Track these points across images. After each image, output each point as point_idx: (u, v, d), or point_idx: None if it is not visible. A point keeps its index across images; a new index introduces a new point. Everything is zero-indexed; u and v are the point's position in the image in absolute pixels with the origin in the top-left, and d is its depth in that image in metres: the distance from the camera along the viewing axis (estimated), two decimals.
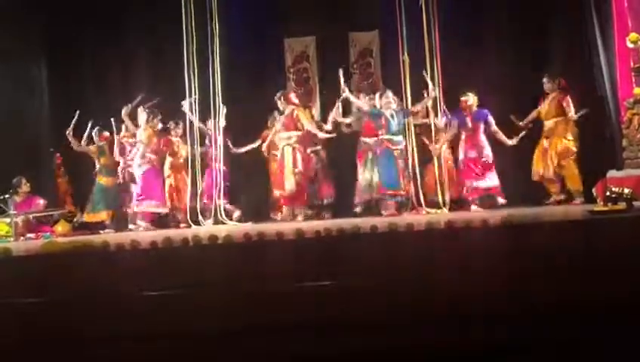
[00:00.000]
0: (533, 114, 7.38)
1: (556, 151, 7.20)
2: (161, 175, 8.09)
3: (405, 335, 2.93)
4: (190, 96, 7.72)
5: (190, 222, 7.70)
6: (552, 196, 7.24)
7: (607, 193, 4.82)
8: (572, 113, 7.15)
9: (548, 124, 7.30)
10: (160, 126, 8.01)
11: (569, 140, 7.19)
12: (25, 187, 8.02)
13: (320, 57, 8.95)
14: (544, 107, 7.33)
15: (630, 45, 6.82)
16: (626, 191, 4.76)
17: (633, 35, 6.77)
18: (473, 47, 8.16)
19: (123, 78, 8.87)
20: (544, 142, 7.31)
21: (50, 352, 3.20)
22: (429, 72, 7.32)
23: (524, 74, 7.71)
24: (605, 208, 4.72)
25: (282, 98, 7.87)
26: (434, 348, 2.86)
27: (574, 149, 7.18)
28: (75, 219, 8.04)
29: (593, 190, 6.09)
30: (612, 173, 6.21)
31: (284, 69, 9.01)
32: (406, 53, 7.37)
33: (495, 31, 8.27)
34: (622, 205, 4.66)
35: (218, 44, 7.68)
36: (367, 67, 8.84)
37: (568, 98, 7.20)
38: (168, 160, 8.12)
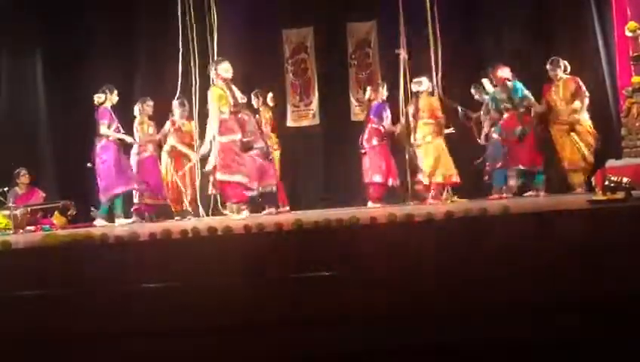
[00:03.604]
0: (543, 106, 7.19)
1: (583, 139, 6.95)
2: (159, 164, 8.01)
3: (408, 332, 2.93)
4: (190, 88, 7.69)
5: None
6: (576, 187, 6.94)
7: (606, 182, 4.81)
8: (580, 103, 6.90)
9: (567, 110, 7.03)
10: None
11: (591, 126, 6.98)
12: (24, 178, 8.04)
13: (318, 48, 8.94)
14: (556, 94, 7.11)
15: (629, 34, 6.81)
16: (625, 180, 4.74)
17: (632, 24, 6.76)
18: (472, 36, 8.18)
19: (121, 73, 8.87)
20: (564, 129, 7.03)
21: (49, 346, 3.20)
22: (432, 58, 7.32)
23: (522, 63, 7.70)
24: (604, 197, 4.71)
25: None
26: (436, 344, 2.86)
27: (591, 134, 6.98)
28: (69, 212, 8.00)
29: (592, 179, 6.09)
30: (611, 162, 6.20)
31: (283, 60, 9.01)
32: (402, 48, 7.32)
33: (493, 20, 8.28)
34: (621, 194, 4.65)
35: (215, 35, 7.65)
36: (365, 58, 8.83)
37: (579, 81, 7.02)
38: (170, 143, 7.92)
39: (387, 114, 7.45)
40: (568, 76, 7.09)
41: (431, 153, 7.08)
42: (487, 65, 7.44)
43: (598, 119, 7.38)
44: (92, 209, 7.80)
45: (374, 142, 7.43)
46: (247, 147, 6.86)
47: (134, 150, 7.85)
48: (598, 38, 7.62)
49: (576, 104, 6.96)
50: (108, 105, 7.48)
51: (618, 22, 7.11)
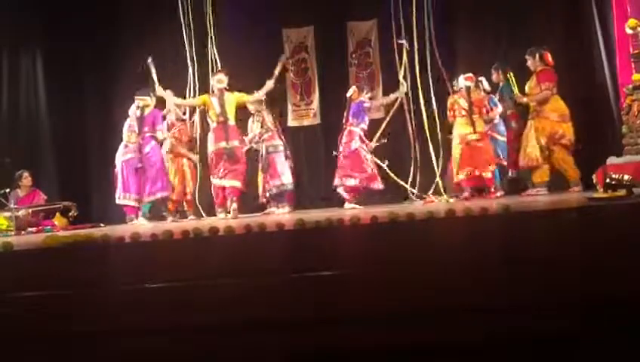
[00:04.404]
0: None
1: (543, 133, 6.93)
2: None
3: (407, 330, 2.93)
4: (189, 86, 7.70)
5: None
6: (535, 185, 6.99)
7: (607, 180, 4.80)
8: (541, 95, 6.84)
9: (533, 103, 7.04)
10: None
11: (556, 121, 6.92)
12: (26, 181, 8.05)
13: (318, 48, 8.93)
14: (528, 86, 7.13)
15: (629, 31, 6.79)
16: (626, 177, 4.74)
17: (632, 21, 6.74)
18: (471, 32, 8.19)
19: (121, 71, 8.87)
20: (529, 124, 7.08)
21: (50, 346, 3.21)
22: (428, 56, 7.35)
23: (522, 59, 7.69)
24: (605, 195, 4.71)
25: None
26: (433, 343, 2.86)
27: (561, 131, 6.92)
28: (70, 213, 7.97)
29: (593, 177, 6.08)
30: (612, 160, 6.20)
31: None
32: (404, 40, 7.36)
33: (492, 18, 8.26)
34: (622, 192, 4.65)
35: (215, 35, 7.66)
36: (365, 57, 8.83)
37: (549, 74, 6.97)
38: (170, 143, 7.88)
39: (368, 104, 7.49)
40: (546, 67, 7.05)
41: (487, 148, 7.16)
42: (500, 62, 7.52)
43: (599, 117, 7.38)
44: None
45: (353, 145, 7.31)
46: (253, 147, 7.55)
47: (120, 150, 7.78)
48: (598, 36, 7.60)
49: (537, 97, 6.97)
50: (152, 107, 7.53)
51: (618, 19, 7.09)
